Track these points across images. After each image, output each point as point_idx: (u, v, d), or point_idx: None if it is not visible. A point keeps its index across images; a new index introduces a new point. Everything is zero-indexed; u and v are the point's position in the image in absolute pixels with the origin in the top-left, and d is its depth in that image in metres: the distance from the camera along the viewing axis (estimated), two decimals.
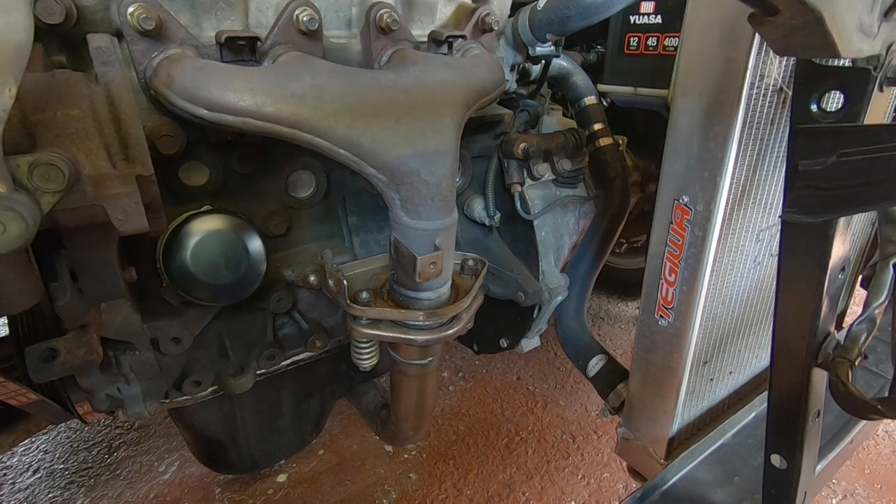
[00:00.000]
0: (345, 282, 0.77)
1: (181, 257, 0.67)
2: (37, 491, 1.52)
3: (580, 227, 1.28)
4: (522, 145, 1.01)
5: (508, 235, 1.19)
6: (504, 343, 1.32)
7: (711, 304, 0.90)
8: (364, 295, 0.80)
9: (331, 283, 0.81)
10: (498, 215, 1.11)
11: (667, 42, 1.10)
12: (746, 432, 1.01)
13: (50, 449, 1.69)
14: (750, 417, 1.05)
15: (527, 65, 1.17)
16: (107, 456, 1.65)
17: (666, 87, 1.09)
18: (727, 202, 0.81)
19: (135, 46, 0.63)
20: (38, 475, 1.58)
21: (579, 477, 1.60)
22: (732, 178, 0.79)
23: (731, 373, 1.08)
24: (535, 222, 1.11)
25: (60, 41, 0.62)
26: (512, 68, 1.10)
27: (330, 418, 1.46)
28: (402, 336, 0.81)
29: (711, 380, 1.03)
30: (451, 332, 0.84)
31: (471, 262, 0.92)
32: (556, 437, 1.74)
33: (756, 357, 1.13)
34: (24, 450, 1.68)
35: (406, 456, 1.66)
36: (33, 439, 1.71)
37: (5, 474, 1.57)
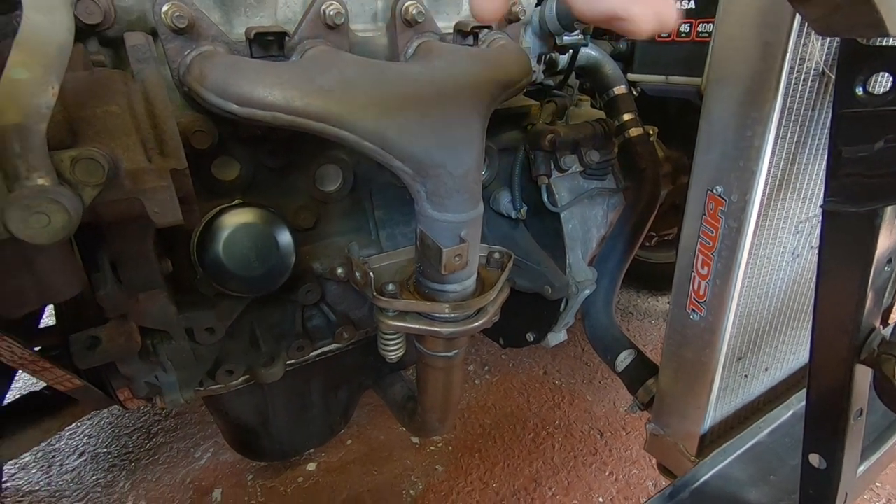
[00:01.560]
0: (371, 274, 0.78)
1: (214, 249, 0.69)
2: (82, 473, 1.59)
3: (609, 220, 1.26)
4: (549, 136, 1.00)
5: (535, 228, 1.18)
6: (530, 337, 1.31)
7: (746, 298, 0.87)
8: (390, 287, 0.81)
9: (357, 275, 0.82)
10: (524, 208, 1.10)
11: (700, 28, 1.06)
12: (783, 430, 0.98)
13: (94, 433, 1.77)
14: (787, 415, 1.02)
15: (554, 55, 1.15)
16: (146, 441, 1.72)
17: (699, 74, 1.06)
18: (764, 192, 0.78)
19: (169, 44, 0.65)
20: (84, 458, 1.66)
21: (607, 473, 1.58)
22: (770, 167, 0.76)
23: (766, 369, 1.05)
24: (563, 215, 1.10)
25: (100, 40, 0.64)
26: (539, 59, 1.09)
27: (358, 409, 1.48)
28: (428, 328, 0.82)
29: (746, 376, 1.00)
30: (476, 324, 0.84)
31: (497, 255, 0.92)
32: (583, 433, 1.72)
33: (794, 353, 1.09)
34: (71, 434, 1.76)
35: (432, 448, 1.67)
36: (79, 424, 1.79)
37: (54, 456, 1.65)
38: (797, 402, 1.03)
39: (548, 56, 1.15)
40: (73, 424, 1.77)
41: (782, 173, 0.79)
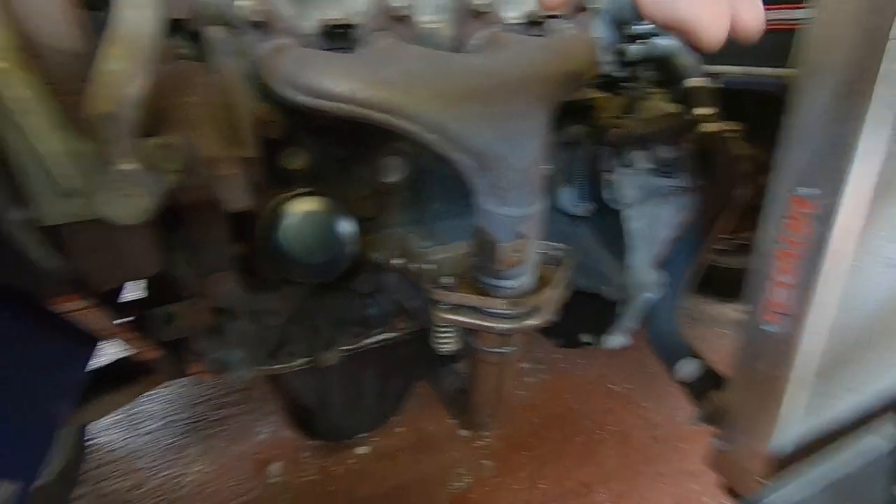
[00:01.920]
0: (427, 266, 0.78)
1: (278, 236, 0.72)
2: (158, 436, 1.73)
3: (680, 221, 1.19)
4: (615, 131, 0.96)
5: (598, 226, 1.14)
6: (585, 338, 1.28)
7: (832, 310, 0.80)
8: (446, 280, 0.81)
9: (413, 266, 0.82)
10: (586, 205, 1.07)
11: (787, 15, 0.98)
12: (869, 459, 0.89)
13: (171, 400, 1.91)
14: (875, 443, 0.92)
15: (625, 45, 1.10)
16: (215, 412, 1.84)
17: (785, 65, 0.97)
18: (860, 195, 0.70)
19: (246, 37, 0.68)
20: (161, 422, 1.80)
21: (662, 485, 1.51)
22: (867, 167, 0.69)
23: (852, 390, 0.95)
24: (627, 213, 1.05)
25: (184, 34, 0.68)
26: (609, 49, 1.04)
27: (410, 398, 1.51)
28: (482, 323, 0.81)
29: (828, 396, 0.92)
30: (532, 322, 0.82)
31: (555, 252, 0.89)
32: (639, 441, 1.66)
33: (888, 376, 0.98)
34: (150, 399, 1.91)
35: (481, 442, 1.67)
36: (156, 392, 1.95)
37: (134, 418, 1.81)
38: (890, 429, 0.93)
39: (619, 46, 1.10)
40: (152, 392, 1.92)
41: (882, 174, 0.71)
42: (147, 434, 1.74)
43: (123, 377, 1.04)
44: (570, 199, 1.09)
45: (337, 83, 0.62)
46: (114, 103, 0.41)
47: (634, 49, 1.15)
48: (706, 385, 1.06)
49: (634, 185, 1.05)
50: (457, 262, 0.89)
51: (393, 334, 1.02)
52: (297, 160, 0.84)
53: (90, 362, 0.73)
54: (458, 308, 0.82)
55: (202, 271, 0.62)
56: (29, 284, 0.49)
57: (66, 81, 0.43)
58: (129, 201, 0.43)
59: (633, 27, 0.95)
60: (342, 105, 0.63)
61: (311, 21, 0.73)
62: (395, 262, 0.90)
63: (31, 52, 0.41)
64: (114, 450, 1.68)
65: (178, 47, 0.64)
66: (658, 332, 1.16)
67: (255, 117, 0.71)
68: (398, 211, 0.98)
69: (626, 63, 1.19)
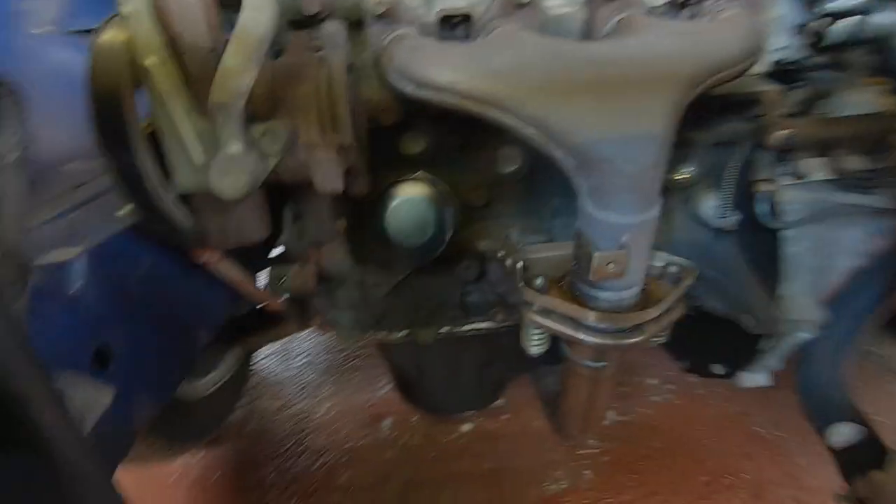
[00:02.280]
0: (520, 262, 0.76)
1: (380, 217, 0.77)
2: (301, 372, 2.02)
3: (869, 249, 0.94)
4: (781, 132, 0.79)
5: (747, 244, 0.97)
6: (717, 369, 1.11)
7: None
8: (539, 280, 0.77)
9: (509, 261, 0.81)
10: (734, 217, 0.91)
11: None
12: None
13: (317, 344, 2.19)
14: None
15: (820, 25, 0.89)
16: (349, 361, 2.07)
17: None
18: None
19: (371, 28, 0.72)
20: (306, 360, 2.09)
21: None
22: None
23: None
24: (786, 233, 0.87)
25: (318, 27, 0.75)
26: (797, 29, 0.85)
27: (520, 388, 1.49)
28: (570, 333, 0.76)
29: None
30: (628, 341, 0.75)
31: (674, 269, 0.79)
32: (776, 499, 1.40)
33: None
34: (304, 339, 2.22)
35: (586, 451, 1.59)
36: (307, 335, 2.24)
37: (286, 354, 2.13)
38: None
39: (811, 26, 0.89)
40: (304, 333, 2.22)
41: None
42: (294, 368, 2.05)
43: (267, 321, 1.24)
44: (714, 208, 0.94)
45: (441, 74, 0.63)
46: (226, 95, 0.48)
47: (837, 29, 0.92)
48: (865, 458, 0.84)
49: (801, 199, 0.85)
50: (557, 264, 0.84)
51: (491, 325, 1.02)
52: (415, 146, 0.88)
53: (230, 304, 0.87)
54: (547, 312, 0.78)
55: (308, 242, 0.69)
56: (176, 239, 0.61)
57: (202, 73, 0.51)
58: (232, 178, 0.50)
59: (829, 3, 0.76)
60: (444, 96, 0.64)
61: (434, 10, 0.74)
62: (500, 253, 0.89)
63: (175, 49, 0.50)
64: (268, 376, 2.01)
65: (312, 39, 0.71)
66: (810, 382, 0.96)
67: (373, 105, 0.77)
68: (512, 202, 0.96)
69: (823, 47, 0.96)
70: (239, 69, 0.48)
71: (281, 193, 0.66)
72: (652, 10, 0.73)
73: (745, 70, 0.67)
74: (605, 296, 0.73)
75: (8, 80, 0.38)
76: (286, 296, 0.80)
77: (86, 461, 0.34)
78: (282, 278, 0.71)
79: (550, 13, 0.75)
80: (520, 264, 0.76)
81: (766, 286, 0.91)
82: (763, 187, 0.84)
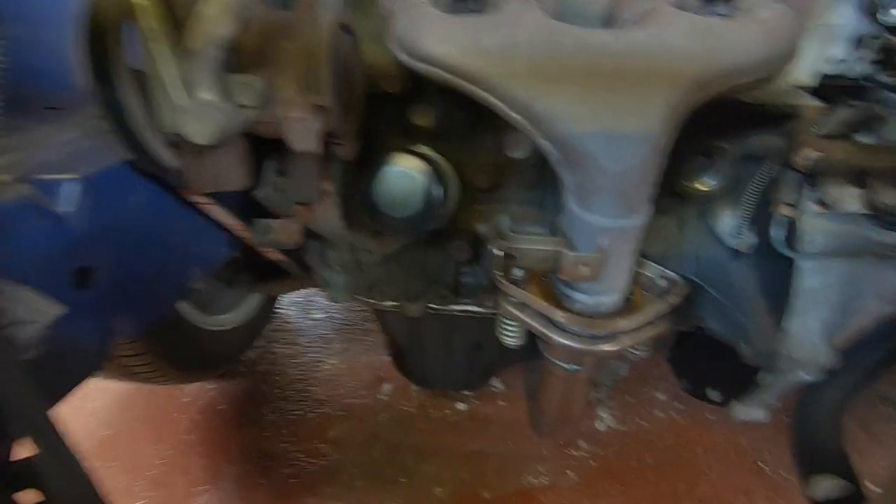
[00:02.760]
0: (500, 251, 0.74)
1: (370, 185, 0.77)
2: (317, 325, 2.10)
3: None
4: (810, 153, 0.71)
5: (765, 269, 0.90)
6: (712, 395, 1.06)
7: None
8: (517, 272, 0.76)
9: (490, 247, 0.79)
10: (749, 239, 0.85)
11: None
12: None
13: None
14: None
15: (891, 37, 0.78)
16: (363, 322, 2.11)
17: None
18: None
19: None
20: (324, 315, 2.17)
21: None
22: None
23: None
24: (803, 265, 0.79)
25: None
26: (855, 41, 0.76)
27: (522, 377, 1.48)
28: (542, 330, 0.74)
29: None
30: (600, 348, 0.72)
31: (663, 282, 0.75)
32: None
33: None
34: (324, 296, 2.30)
35: (575, 452, 1.57)
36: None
37: (308, 305, 2.21)
38: None
39: (881, 38, 0.79)
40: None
41: None
42: (311, 320, 2.13)
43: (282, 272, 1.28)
44: (730, 226, 0.87)
45: (433, 46, 0.61)
46: (201, 41, 0.50)
47: None
48: None
49: (825, 230, 0.78)
50: (543, 258, 0.82)
51: (481, 309, 1.01)
52: (424, 118, 0.87)
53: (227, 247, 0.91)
54: (522, 306, 0.77)
55: (290, 198, 0.71)
56: (163, 178, 0.65)
57: (187, 16, 0.53)
58: (201, 125, 0.52)
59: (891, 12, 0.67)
60: (435, 70, 0.62)
61: None
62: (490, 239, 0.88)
63: None
64: (287, 323, 2.11)
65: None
66: (804, 426, 0.89)
67: (378, 71, 0.76)
68: (517, 189, 0.94)
69: (892, 62, 0.85)
70: (215, 18, 0.49)
71: (267, 146, 0.67)
72: (683, 3, 0.67)
73: (768, 77, 0.61)
74: (581, 298, 0.71)
75: None
76: (272, 247, 0.83)
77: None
78: (267, 230, 0.73)
79: None
80: (499, 252, 0.75)
81: (773, 318, 0.84)
82: (783, 211, 0.77)
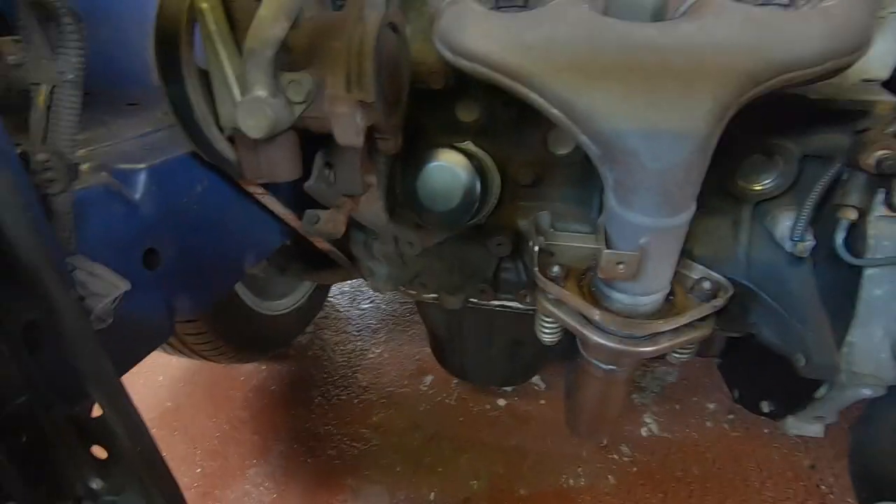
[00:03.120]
0: (536, 248, 0.74)
1: (411, 177, 0.79)
2: (365, 315, 2.17)
3: None
4: (880, 153, 0.66)
5: (825, 276, 0.84)
6: (765, 407, 1.00)
7: None
8: (556, 269, 0.75)
9: (530, 244, 0.79)
10: (808, 243, 0.80)
11: None
12: None
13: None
14: None
15: None
16: (410, 315, 2.17)
17: None
18: None
19: None
20: (372, 304, 2.24)
21: None
22: None
23: None
24: (869, 271, 0.74)
25: None
26: None
27: (563, 377, 1.47)
28: (579, 328, 0.74)
29: None
30: (638, 349, 0.71)
31: (706, 284, 0.72)
32: None
33: None
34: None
35: (616, 457, 1.53)
36: None
37: (356, 294, 2.28)
38: None
39: None
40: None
41: None
42: (359, 309, 2.20)
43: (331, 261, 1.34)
44: (789, 229, 0.83)
45: (476, 43, 0.62)
46: (256, 42, 0.53)
47: None
48: None
49: (895, 235, 0.72)
50: (583, 256, 0.81)
51: (519, 305, 1.01)
52: (469, 114, 0.88)
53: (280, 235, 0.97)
54: (560, 303, 0.76)
55: (337, 189, 0.74)
56: (224, 168, 0.70)
57: (246, 20, 0.57)
58: (255, 120, 0.56)
59: None
60: (476, 66, 0.63)
61: None
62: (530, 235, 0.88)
63: None
64: (336, 311, 2.19)
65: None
66: (864, 446, 0.83)
67: (424, 68, 0.78)
68: (560, 186, 0.93)
69: None
70: (270, 19, 0.53)
71: (317, 140, 0.71)
72: None
73: (831, 72, 0.57)
74: (619, 297, 0.70)
75: (71, 6, 0.46)
76: (319, 237, 0.87)
77: (79, 322, 0.43)
78: (315, 220, 0.77)
79: None
80: (536, 248, 0.75)
81: (833, 328, 0.79)
82: (848, 214, 0.72)
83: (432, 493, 1.46)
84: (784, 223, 0.84)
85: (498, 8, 0.72)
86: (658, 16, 0.70)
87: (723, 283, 0.72)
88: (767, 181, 0.84)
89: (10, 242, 0.37)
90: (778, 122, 0.79)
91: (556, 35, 0.59)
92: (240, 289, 1.64)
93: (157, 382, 1.85)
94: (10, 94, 0.49)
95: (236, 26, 0.57)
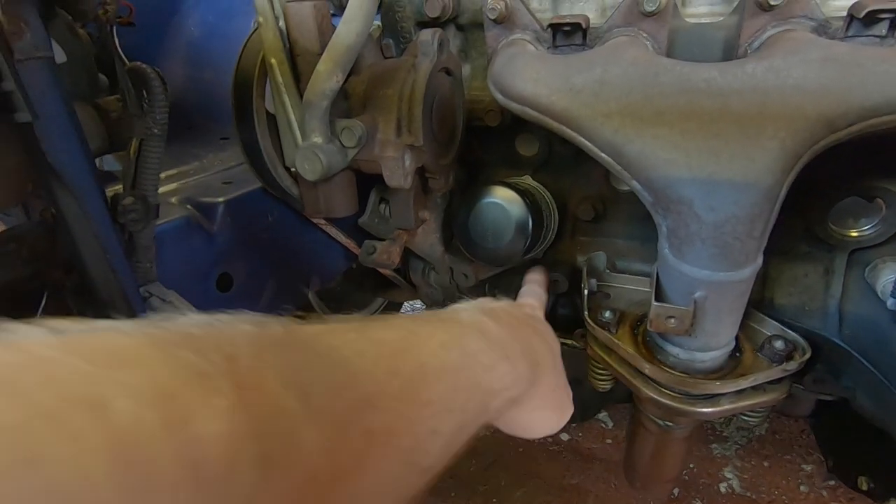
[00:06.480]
0: (586, 291, 0.71)
1: (464, 213, 0.80)
2: None
3: None
4: None
5: None
6: (864, 484, 0.87)
7: None
8: (607, 314, 0.72)
9: (582, 286, 0.76)
10: None
11: None
12: None
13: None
14: None
15: None
16: None
17: None
18: None
19: (489, 33, 0.73)
20: None
21: None
22: None
23: None
24: None
25: (455, 27, 0.80)
26: None
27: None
28: (630, 380, 0.70)
29: None
30: (695, 409, 0.65)
31: (779, 344, 0.65)
32: None
33: None
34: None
35: None
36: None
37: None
38: None
39: None
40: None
41: None
42: None
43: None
44: (893, 284, 0.72)
45: (525, 86, 0.62)
46: (313, 94, 0.58)
47: None
48: None
49: None
50: (636, 300, 0.77)
51: (574, 343, 0.98)
52: (529, 148, 0.88)
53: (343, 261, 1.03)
54: (609, 350, 0.73)
55: (391, 224, 0.77)
56: (290, 203, 0.76)
57: (309, 73, 0.61)
58: (310, 164, 0.60)
59: None
60: (526, 109, 0.63)
61: (550, 16, 0.72)
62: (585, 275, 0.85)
63: (293, 51, 0.61)
64: None
65: (452, 37, 0.76)
66: None
67: (482, 106, 0.79)
68: (622, 223, 0.89)
69: None
70: (326, 74, 0.57)
71: (373, 177, 0.75)
72: (823, 26, 0.58)
73: None
74: (674, 351, 0.65)
75: (156, 69, 0.53)
76: (375, 266, 0.90)
77: None
78: (370, 251, 0.81)
79: (691, 22, 0.66)
80: (586, 291, 0.72)
81: None
82: None
83: None
84: (886, 276, 0.73)
85: (555, 48, 0.71)
86: (727, 52, 0.65)
87: (800, 343, 0.64)
88: (866, 227, 0.74)
89: (91, 276, 0.44)
90: (879, 162, 0.70)
91: (607, 78, 0.57)
92: (314, 300, 1.75)
93: None
94: (112, 146, 0.58)
95: (300, 78, 0.63)
